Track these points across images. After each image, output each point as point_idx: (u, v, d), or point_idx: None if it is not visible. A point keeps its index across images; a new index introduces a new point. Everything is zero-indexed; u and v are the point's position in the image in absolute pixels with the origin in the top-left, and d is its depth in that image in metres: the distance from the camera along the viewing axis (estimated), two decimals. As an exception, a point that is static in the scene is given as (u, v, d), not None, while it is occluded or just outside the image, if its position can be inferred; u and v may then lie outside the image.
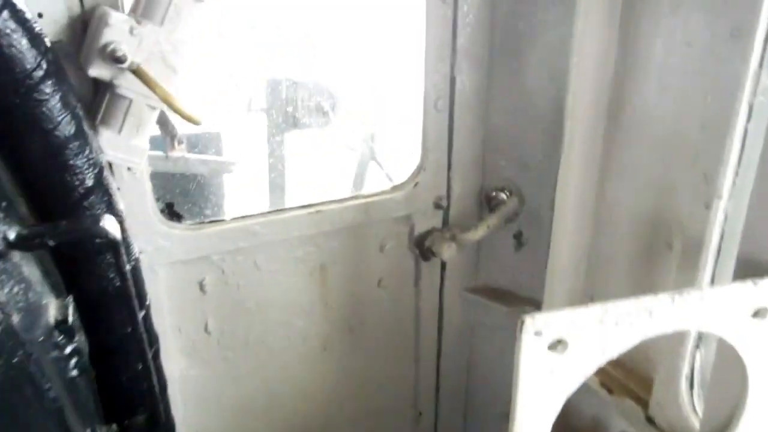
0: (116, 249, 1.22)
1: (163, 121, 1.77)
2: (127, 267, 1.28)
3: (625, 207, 1.86)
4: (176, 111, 1.43)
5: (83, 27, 1.50)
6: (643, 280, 1.84)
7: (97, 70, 1.43)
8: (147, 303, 1.61)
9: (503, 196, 2.22)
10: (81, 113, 1.37)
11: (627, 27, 1.71)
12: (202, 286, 1.98)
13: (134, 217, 1.76)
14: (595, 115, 1.82)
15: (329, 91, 4.21)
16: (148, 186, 1.76)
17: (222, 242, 1.92)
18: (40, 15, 1.44)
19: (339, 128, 4.19)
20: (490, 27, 2.06)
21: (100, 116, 1.50)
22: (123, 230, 1.50)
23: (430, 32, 1.99)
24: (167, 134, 1.85)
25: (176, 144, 1.92)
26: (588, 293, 2.07)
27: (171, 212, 1.89)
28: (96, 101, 1.53)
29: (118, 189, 1.71)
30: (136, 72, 1.41)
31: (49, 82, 1.29)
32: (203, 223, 1.91)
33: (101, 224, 1.21)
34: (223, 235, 1.92)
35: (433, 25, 1.98)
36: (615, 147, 1.83)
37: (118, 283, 1.29)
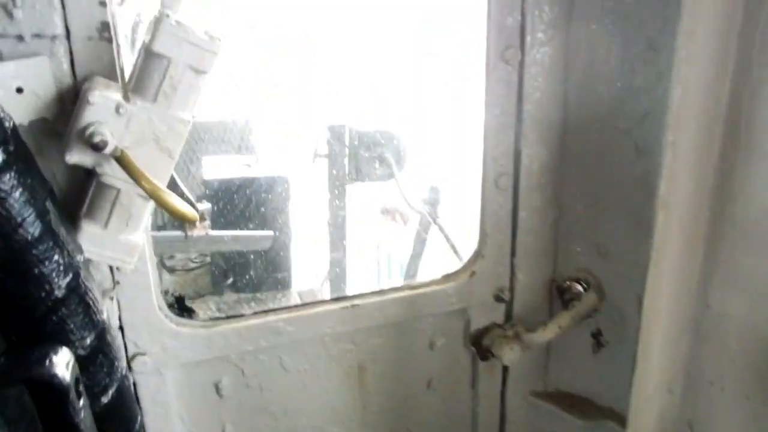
0: (65, 395, 0.96)
1: (175, 190, 1.53)
2: (83, 415, 1.01)
3: (736, 321, 1.46)
4: (165, 208, 1.18)
5: (75, 101, 1.29)
6: (764, 416, 1.43)
7: (77, 156, 1.20)
8: (136, 428, 1.35)
9: (579, 288, 1.85)
10: (51, 208, 1.14)
11: (739, 96, 1.35)
12: (218, 389, 1.71)
13: (136, 315, 1.52)
14: (696, 204, 1.45)
15: (394, 142, 3.95)
16: (152, 278, 1.51)
17: (240, 341, 1.65)
18: (19, 90, 1.23)
19: (402, 184, 3.94)
20: (563, 92, 1.72)
21: (84, 208, 1.27)
22: (105, 344, 1.26)
23: (490, 98, 1.68)
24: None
25: (197, 222, 1.68)
26: (685, 418, 1.66)
27: (181, 307, 1.64)
28: (85, 189, 1.30)
29: (117, 283, 1.48)
30: (120, 160, 1.17)
31: (8, 176, 1.06)
32: (218, 319, 1.65)
33: (46, 364, 0.96)
34: (241, 333, 1.65)
35: (494, 90, 1.67)
36: (723, 246, 1.44)
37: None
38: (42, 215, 1.11)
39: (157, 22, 1.18)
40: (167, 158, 1.25)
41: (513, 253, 1.84)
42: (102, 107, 1.18)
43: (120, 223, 1.27)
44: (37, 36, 1.26)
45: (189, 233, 1.61)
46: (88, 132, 1.16)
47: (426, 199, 2.98)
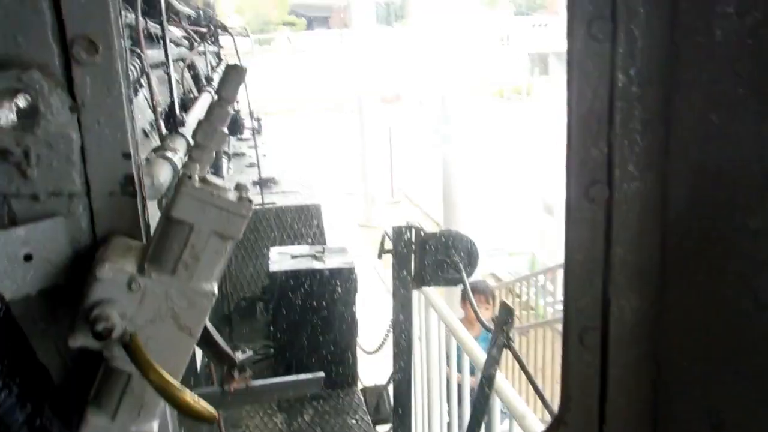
0: None
1: (211, 343, 1.35)
2: None
3: None
4: (176, 407, 0.98)
5: (92, 262, 1.13)
6: None
7: (82, 339, 1.03)
8: None
9: (687, 463, 1.52)
10: (46, 409, 0.96)
11: None
12: None
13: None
14: None
15: (463, 245, 3.72)
16: (176, 456, 1.31)
17: None
18: (27, 257, 1.08)
19: (471, 290, 3.68)
20: (661, 231, 1.46)
21: (92, 394, 1.09)
22: None
23: (572, 241, 1.44)
24: (222, 362, 1.42)
25: (236, 373, 1.48)
26: None
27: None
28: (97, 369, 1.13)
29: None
30: (128, 347, 0.99)
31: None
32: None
33: None
34: None
35: (577, 232, 1.43)
36: None
37: None
38: (32, 419, 0.93)
39: (178, 184, 1.02)
40: (187, 337, 1.06)
41: (602, 420, 1.53)
42: (111, 284, 1.02)
43: (130, 414, 1.07)
44: (54, 194, 1.12)
45: (226, 386, 1.41)
46: (92, 315, 0.99)
47: (496, 317, 2.69)
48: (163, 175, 2.32)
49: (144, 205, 1.19)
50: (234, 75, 1.10)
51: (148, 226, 1.20)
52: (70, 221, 1.14)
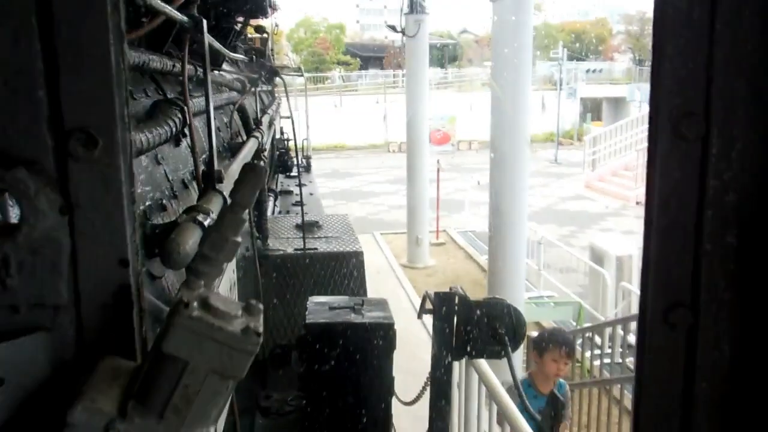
0: None
1: None
2: None
3: None
4: None
5: (76, 383, 0.97)
6: None
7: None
8: None
9: None
10: None
11: None
12: None
13: None
14: None
15: (509, 315, 3.47)
16: None
17: None
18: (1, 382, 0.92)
19: (516, 364, 3.42)
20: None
21: None
22: None
23: (645, 370, 1.20)
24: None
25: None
26: None
27: None
28: None
29: None
30: None
31: None
32: None
33: None
34: None
35: (652, 361, 1.20)
36: None
37: None
38: None
39: (171, 314, 0.84)
40: (173, 495, 0.87)
41: None
42: (85, 429, 0.84)
43: None
44: (37, 306, 0.97)
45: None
46: (59, 471, 0.81)
47: (544, 409, 2.43)
48: (192, 242, 2.18)
49: (141, 320, 1.02)
50: (251, 177, 0.94)
51: (144, 343, 1.03)
52: (53, 337, 0.98)
